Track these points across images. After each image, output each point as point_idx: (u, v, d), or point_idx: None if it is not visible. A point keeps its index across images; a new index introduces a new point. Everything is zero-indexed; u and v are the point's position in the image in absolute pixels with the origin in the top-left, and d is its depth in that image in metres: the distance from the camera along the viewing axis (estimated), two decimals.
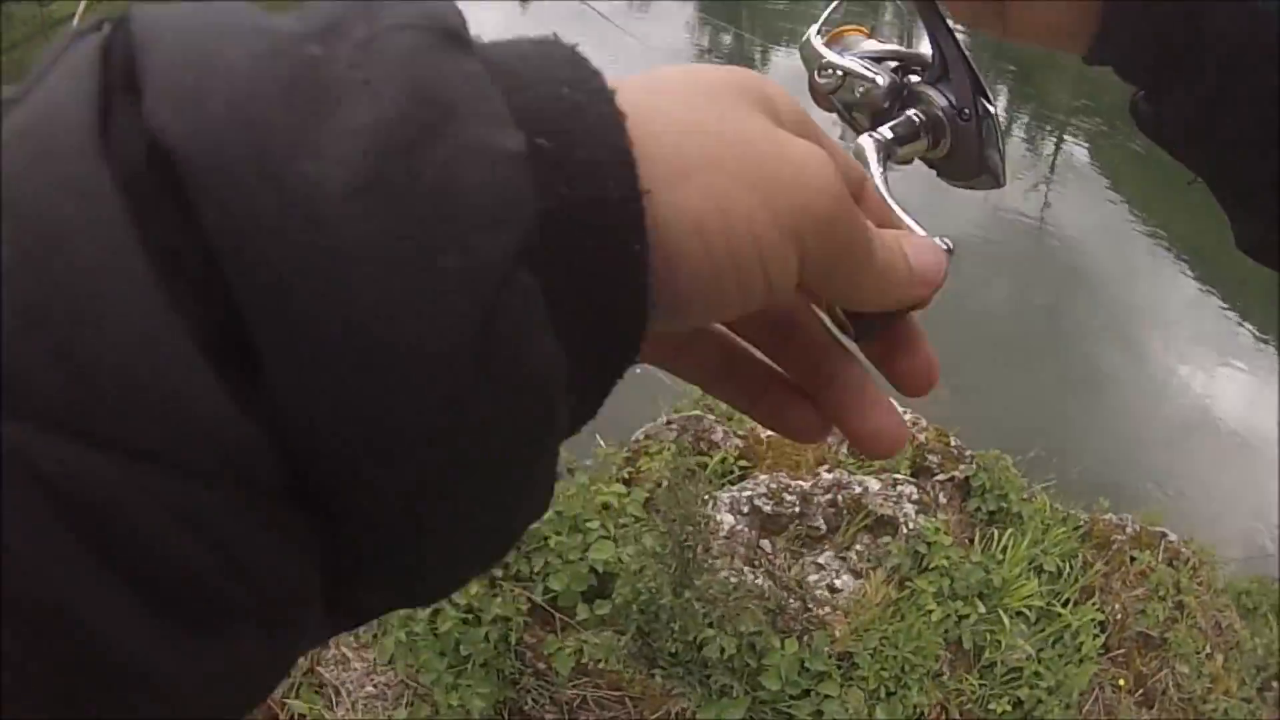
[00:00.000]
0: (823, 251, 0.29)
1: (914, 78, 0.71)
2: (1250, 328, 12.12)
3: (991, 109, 0.68)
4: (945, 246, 0.50)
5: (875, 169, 0.64)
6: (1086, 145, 17.35)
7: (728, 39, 22.41)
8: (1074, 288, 12.71)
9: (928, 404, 4.59)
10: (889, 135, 0.68)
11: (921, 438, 3.86)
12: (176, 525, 0.17)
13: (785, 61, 21.74)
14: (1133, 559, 4.28)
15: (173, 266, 0.17)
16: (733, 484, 3.44)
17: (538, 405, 0.21)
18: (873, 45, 0.76)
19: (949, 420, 4.42)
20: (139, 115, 0.18)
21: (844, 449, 3.66)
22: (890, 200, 0.52)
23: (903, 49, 0.74)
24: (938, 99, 0.68)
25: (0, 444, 0.16)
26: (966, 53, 0.68)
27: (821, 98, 0.77)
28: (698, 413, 3.69)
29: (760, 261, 0.27)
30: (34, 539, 0.16)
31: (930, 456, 3.88)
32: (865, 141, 0.67)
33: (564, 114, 0.22)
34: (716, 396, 0.40)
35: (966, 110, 0.67)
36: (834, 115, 0.78)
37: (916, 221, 0.53)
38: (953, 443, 4.03)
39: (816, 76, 0.74)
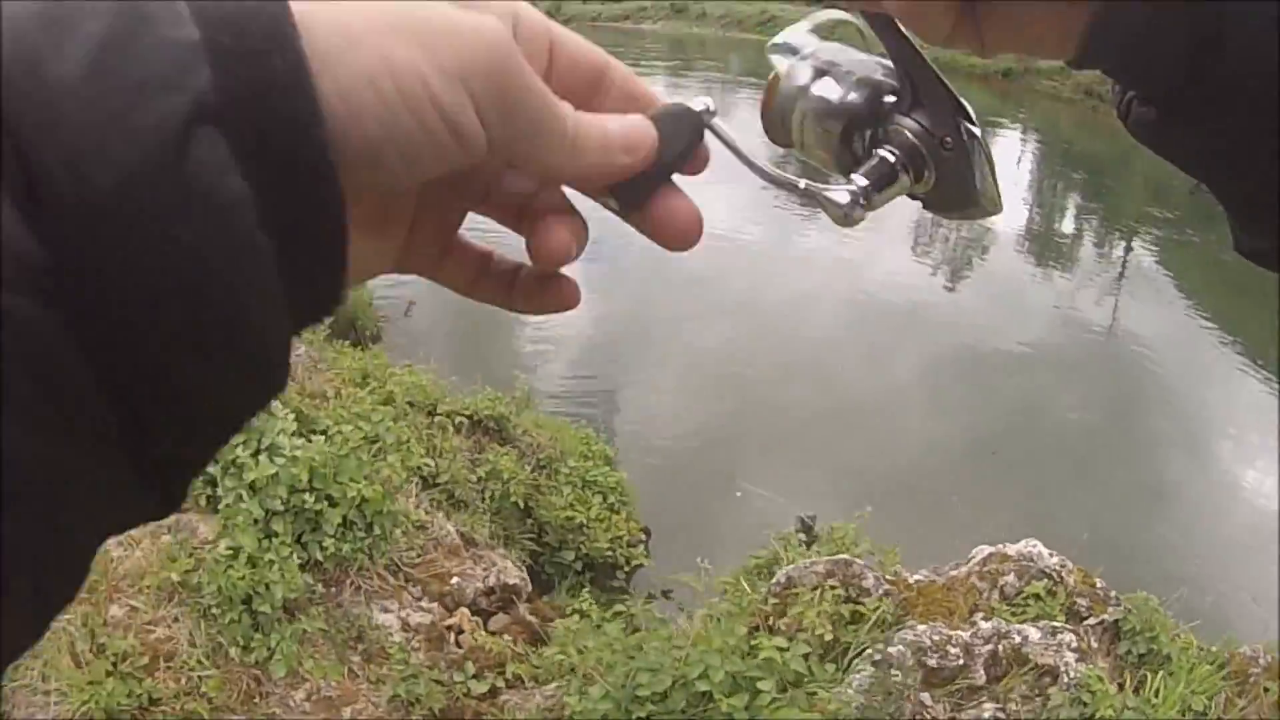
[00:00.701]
0: (494, 101, 0.34)
1: (885, 99, 0.62)
2: None
3: (975, 131, 0.60)
4: (703, 107, 0.50)
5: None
6: (1155, 249, 17.34)
7: None
8: (1145, 395, 12.58)
9: (1069, 547, 4.55)
10: (864, 183, 0.61)
11: (1070, 580, 3.81)
12: None
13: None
14: (1266, 690, 4.16)
15: None
16: (888, 632, 3.41)
17: (234, 230, 0.28)
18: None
19: (1088, 560, 4.36)
20: None
21: (996, 595, 3.64)
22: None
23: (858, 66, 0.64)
24: (912, 128, 0.61)
25: None
26: (940, 74, 0.59)
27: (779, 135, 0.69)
28: (845, 556, 3.69)
29: (433, 105, 0.32)
30: None
31: (1079, 600, 3.83)
32: (838, 196, 0.60)
33: (244, 15, 0.29)
34: (479, 299, 0.46)
35: (949, 139, 0.60)
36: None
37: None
38: (1098, 584, 3.97)
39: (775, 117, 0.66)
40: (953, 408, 11.80)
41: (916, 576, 3.78)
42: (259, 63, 0.28)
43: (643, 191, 0.45)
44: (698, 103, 0.52)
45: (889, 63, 0.61)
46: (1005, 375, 12.60)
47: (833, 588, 3.54)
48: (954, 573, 3.94)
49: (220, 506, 3.83)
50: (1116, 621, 3.86)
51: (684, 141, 0.49)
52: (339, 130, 0.30)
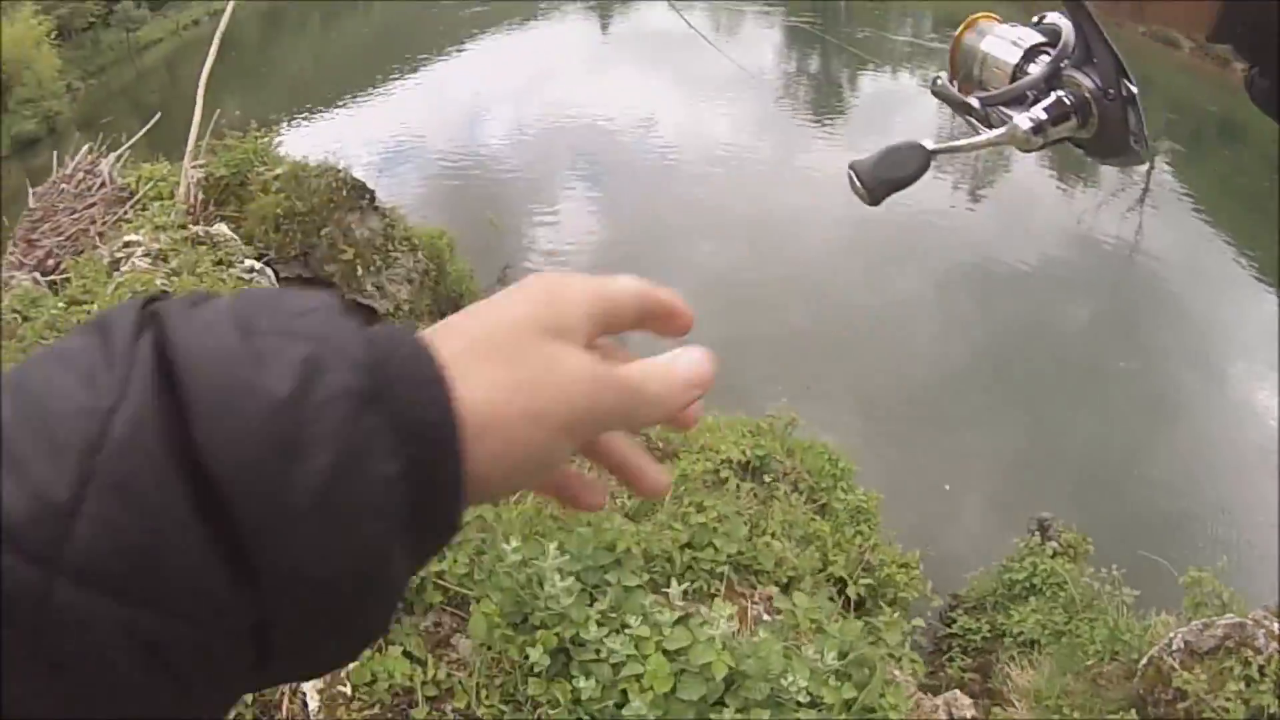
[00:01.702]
0: (595, 426, 0.46)
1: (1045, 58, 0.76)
2: None
3: (1134, 89, 0.72)
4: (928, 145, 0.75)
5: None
6: (1170, 169, 17.01)
7: (813, 63, 22.59)
8: (1164, 309, 12.52)
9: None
10: (1042, 116, 0.75)
11: None
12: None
13: (871, 84, 21.61)
14: None
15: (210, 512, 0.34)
16: None
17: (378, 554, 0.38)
18: (1006, 29, 0.83)
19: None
20: (185, 428, 0.34)
21: None
22: None
23: (1034, 31, 0.80)
24: (1084, 81, 0.73)
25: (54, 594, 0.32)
26: (1110, 40, 0.71)
27: (958, 105, 0.87)
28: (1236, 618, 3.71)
29: (543, 463, 0.44)
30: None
31: None
32: (1021, 121, 0.75)
33: (427, 428, 0.39)
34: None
35: (1111, 90, 0.72)
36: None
37: None
38: None
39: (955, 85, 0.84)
40: (968, 323, 11.77)
41: None
42: (434, 478, 0.39)
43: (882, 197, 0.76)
44: (926, 141, 0.77)
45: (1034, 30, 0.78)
46: (1022, 291, 12.51)
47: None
48: None
49: None
50: None
51: (915, 167, 0.79)
52: (473, 499, 0.42)
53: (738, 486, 4.75)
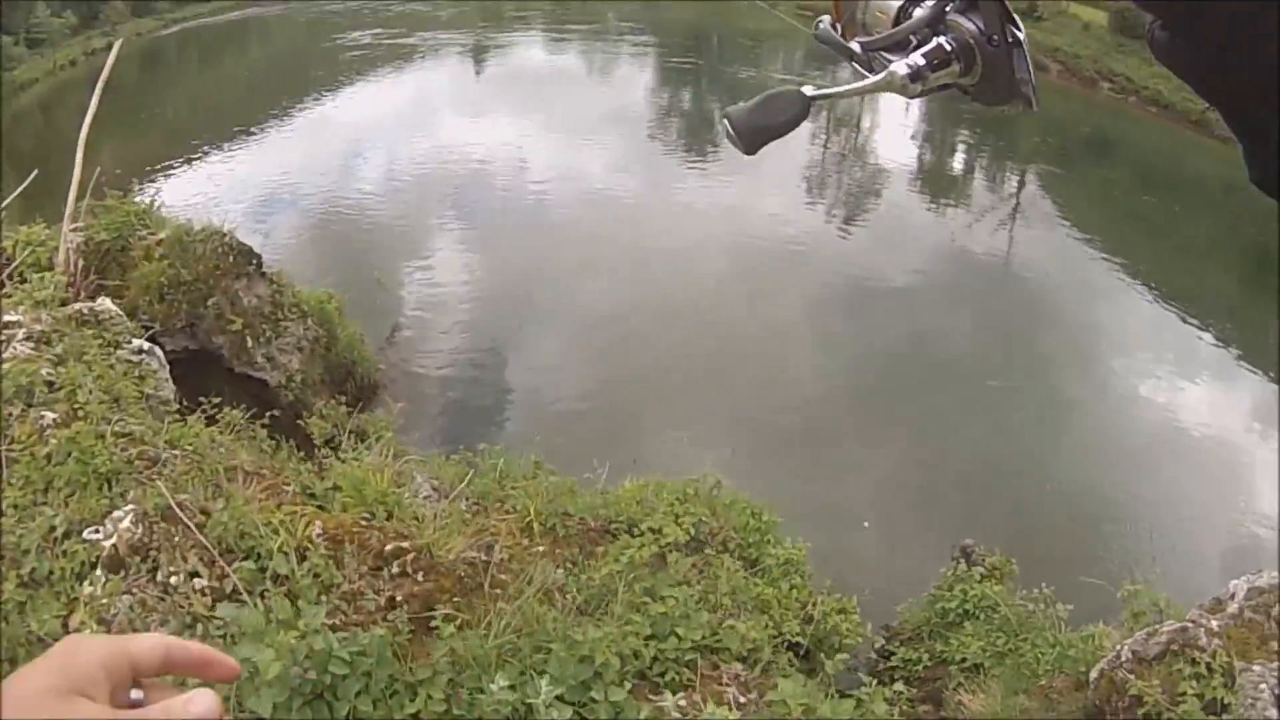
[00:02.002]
0: None
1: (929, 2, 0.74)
2: (1210, 336, 12.65)
3: (1020, 35, 0.71)
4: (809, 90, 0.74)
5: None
6: (1040, 185, 18.06)
7: (686, 99, 22.96)
8: (1041, 317, 13.16)
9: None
10: (920, 62, 0.73)
11: None
12: None
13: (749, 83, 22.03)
14: None
15: None
16: None
17: None
18: None
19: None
20: None
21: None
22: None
23: None
24: (968, 26, 0.72)
25: None
26: None
27: (840, 49, 0.84)
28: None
29: None
30: None
31: None
32: (898, 68, 0.73)
33: None
34: None
35: (995, 36, 0.71)
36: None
37: None
38: None
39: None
40: (846, 343, 12.01)
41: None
42: None
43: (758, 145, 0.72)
44: (806, 88, 0.74)
45: None
46: (902, 307, 12.85)
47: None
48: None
49: None
50: None
51: (792, 114, 0.74)
52: None
53: (686, 564, 4.61)
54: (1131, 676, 4.61)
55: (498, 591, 3.90)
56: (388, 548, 3.74)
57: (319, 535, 3.93)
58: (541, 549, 4.47)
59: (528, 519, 4.69)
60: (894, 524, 9.07)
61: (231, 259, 7.82)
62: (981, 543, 7.34)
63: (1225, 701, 4.44)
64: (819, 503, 8.91)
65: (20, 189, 8.45)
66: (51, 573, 4.11)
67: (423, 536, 3.90)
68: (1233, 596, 5.15)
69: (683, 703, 3.20)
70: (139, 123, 20.05)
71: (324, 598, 3.48)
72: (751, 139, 0.77)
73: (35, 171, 8.74)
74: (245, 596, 3.58)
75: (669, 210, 15.32)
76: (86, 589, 3.95)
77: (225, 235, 7.87)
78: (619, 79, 23.71)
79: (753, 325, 12.11)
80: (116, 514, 4.24)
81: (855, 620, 5.76)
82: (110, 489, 4.54)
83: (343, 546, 3.87)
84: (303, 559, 3.82)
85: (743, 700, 3.52)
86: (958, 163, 19.79)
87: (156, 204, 8.35)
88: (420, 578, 3.55)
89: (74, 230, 7.53)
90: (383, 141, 18.22)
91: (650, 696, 2.84)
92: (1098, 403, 11.31)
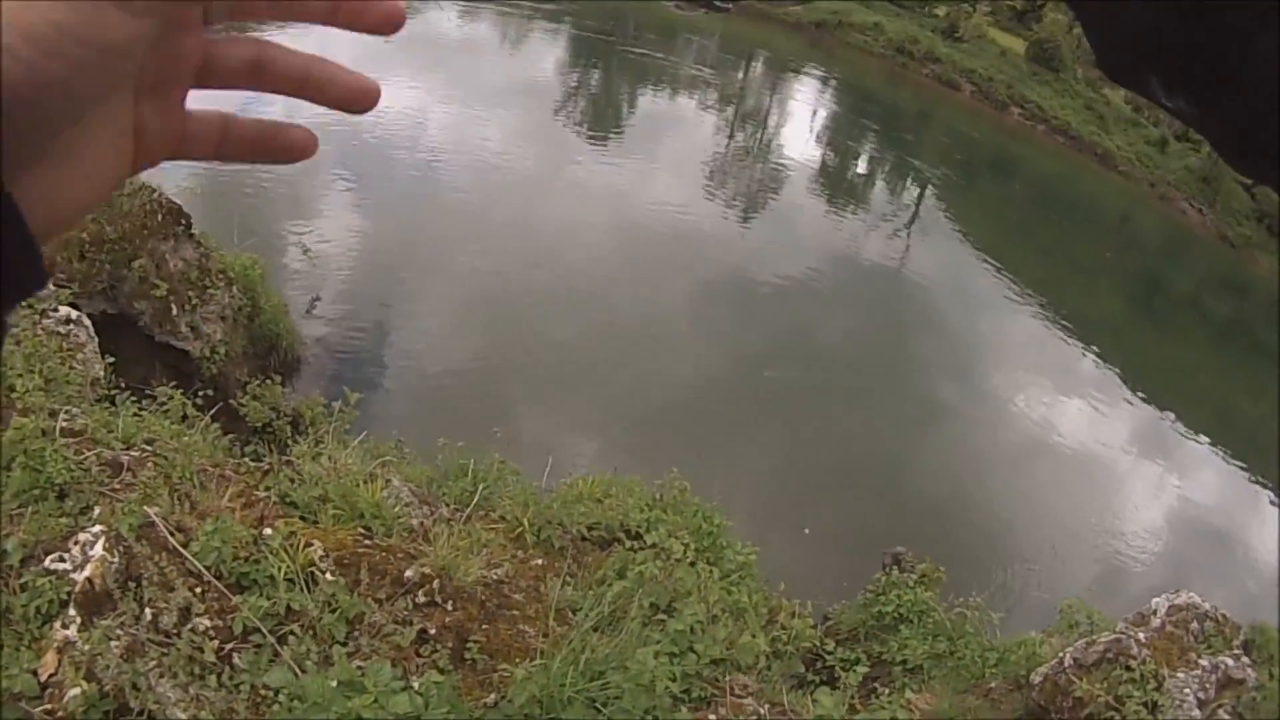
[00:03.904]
0: None
1: None
2: (1094, 353, 13.65)
3: None
4: None
5: None
6: (937, 195, 18.89)
7: (594, 79, 22.61)
8: (928, 325, 13.82)
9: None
10: None
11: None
12: None
13: (649, 104, 21.89)
14: None
15: None
16: None
17: None
18: None
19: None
20: None
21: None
22: None
23: None
24: None
25: None
26: None
27: None
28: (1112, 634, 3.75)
29: (66, 38, 0.35)
30: None
31: None
32: None
33: None
34: (228, 161, 0.52)
35: None
36: None
37: None
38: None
39: None
40: (728, 335, 12.16)
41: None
42: None
43: None
44: None
45: None
46: (790, 304, 13.13)
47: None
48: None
49: None
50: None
51: None
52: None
53: (691, 577, 4.61)
54: (1076, 680, 5.08)
55: (515, 613, 3.81)
56: (407, 573, 3.55)
57: (321, 557, 3.66)
58: (539, 562, 4.39)
59: (518, 529, 4.59)
60: (768, 519, 9.17)
61: (160, 218, 7.19)
62: (908, 549, 7.68)
63: (1157, 703, 4.95)
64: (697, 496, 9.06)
65: None
66: (8, 611, 3.48)
67: (435, 557, 3.74)
68: (1154, 612, 5.68)
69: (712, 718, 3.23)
70: None
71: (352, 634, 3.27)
72: None
73: None
74: (262, 638, 3.28)
75: (562, 188, 15.14)
76: (59, 631, 3.39)
77: (155, 191, 7.23)
78: (529, 52, 23.19)
79: (635, 312, 12.12)
80: (83, 536, 3.66)
81: (809, 623, 5.95)
82: (67, 503, 3.91)
83: (350, 570, 3.63)
84: (309, 586, 3.54)
85: (763, 712, 3.59)
86: (860, 167, 20.45)
87: None
88: (449, 606, 3.41)
89: None
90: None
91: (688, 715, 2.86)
92: (972, 409, 11.89)
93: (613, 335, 11.32)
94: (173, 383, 6.03)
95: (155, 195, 7.32)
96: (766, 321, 12.40)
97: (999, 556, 9.06)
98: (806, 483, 9.58)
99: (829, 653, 6.96)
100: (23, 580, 3.52)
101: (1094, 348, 13.96)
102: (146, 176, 7.37)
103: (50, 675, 3.33)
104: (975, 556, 8.98)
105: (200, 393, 6.43)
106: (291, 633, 3.37)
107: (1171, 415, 12.83)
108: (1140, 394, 12.92)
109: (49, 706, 3.26)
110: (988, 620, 6.35)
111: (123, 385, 5.42)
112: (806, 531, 8.73)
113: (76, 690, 3.23)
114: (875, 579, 7.21)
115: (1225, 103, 0.42)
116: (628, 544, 4.81)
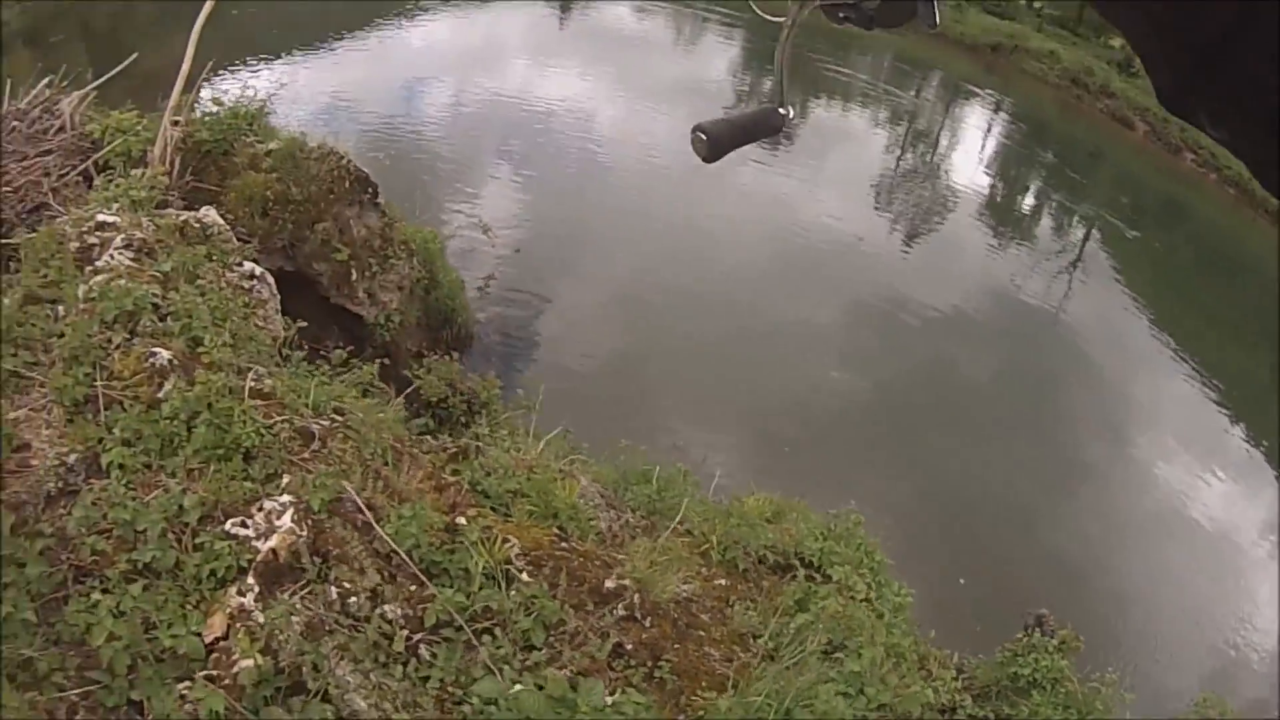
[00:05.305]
0: None
1: None
2: (1242, 428, 12.73)
3: None
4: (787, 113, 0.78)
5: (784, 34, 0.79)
6: (1100, 238, 17.97)
7: (767, 84, 22.39)
8: (1078, 373, 13.11)
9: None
10: None
11: None
12: None
13: (821, 114, 21.70)
14: None
15: None
16: None
17: None
18: None
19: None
20: None
21: None
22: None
23: None
24: None
25: None
26: None
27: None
28: None
29: None
30: None
31: None
32: (791, 6, 0.77)
33: None
34: None
35: None
36: None
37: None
38: None
39: None
40: (874, 362, 11.92)
41: None
42: None
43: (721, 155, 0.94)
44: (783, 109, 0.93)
45: None
46: (939, 334, 12.83)
47: None
48: None
49: None
50: None
51: (772, 128, 1.02)
52: None
53: (870, 620, 4.48)
54: None
55: (701, 634, 3.73)
56: (608, 583, 3.51)
57: (517, 555, 3.60)
58: (723, 581, 4.31)
59: (704, 545, 4.52)
60: (909, 557, 9.00)
61: (347, 184, 7.43)
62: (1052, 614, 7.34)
63: None
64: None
65: (120, 68, 7.86)
66: (179, 567, 3.36)
67: (633, 568, 3.69)
68: None
69: None
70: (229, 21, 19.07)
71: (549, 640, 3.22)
72: (718, 149, 0.81)
73: (134, 55, 8.16)
74: (453, 632, 3.22)
75: (726, 191, 15.07)
76: (234, 598, 3.28)
77: (342, 157, 7.46)
78: (701, 51, 23.24)
79: (785, 323, 12.04)
80: (269, 504, 3.57)
81: (953, 674, 5.80)
82: (253, 467, 3.80)
83: (546, 572, 3.58)
84: (504, 584, 3.47)
85: None
86: (1028, 201, 19.67)
87: (267, 111, 7.79)
88: (648, 623, 3.35)
89: (174, 126, 7.01)
90: (452, 75, 17.68)
91: None
92: (1114, 469, 11.38)
93: (759, 343, 11.26)
94: (349, 346, 6.09)
95: (344, 161, 7.54)
96: (915, 349, 12.15)
97: (1130, 628, 8.63)
98: (944, 525, 9.29)
99: (963, 706, 6.76)
100: (199, 540, 3.42)
101: (1243, 422, 13.08)
102: (333, 142, 7.60)
103: (216, 639, 3.23)
104: (1105, 624, 8.62)
105: (378, 360, 6.55)
106: (488, 631, 3.33)
107: None
108: None
109: (214, 672, 3.14)
110: (1119, 699, 6.03)
111: (298, 345, 5.35)
112: (962, 581, 8.44)
113: (249, 662, 3.10)
114: (1016, 638, 6.98)
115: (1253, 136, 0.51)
116: (803, 572, 4.71)
